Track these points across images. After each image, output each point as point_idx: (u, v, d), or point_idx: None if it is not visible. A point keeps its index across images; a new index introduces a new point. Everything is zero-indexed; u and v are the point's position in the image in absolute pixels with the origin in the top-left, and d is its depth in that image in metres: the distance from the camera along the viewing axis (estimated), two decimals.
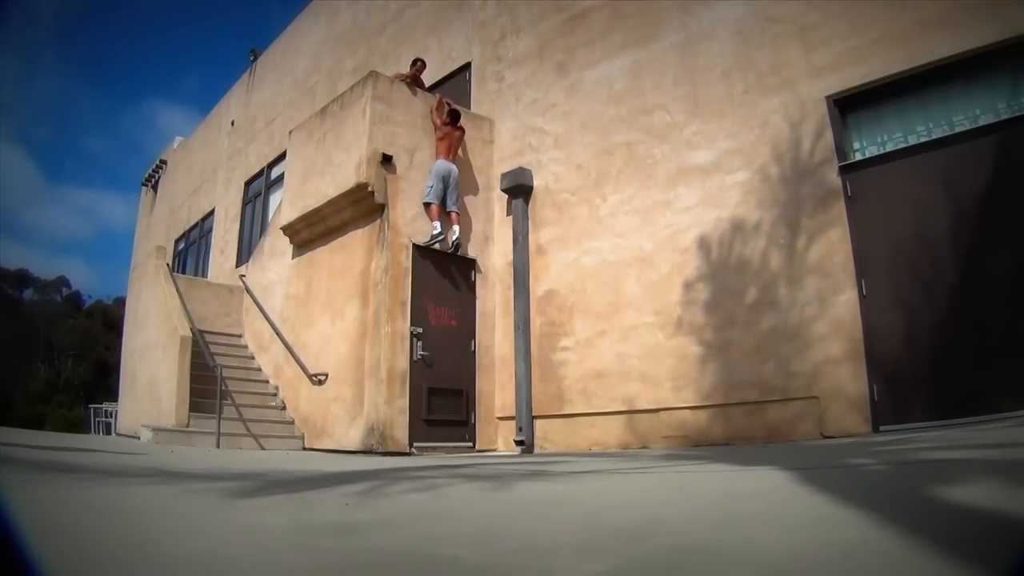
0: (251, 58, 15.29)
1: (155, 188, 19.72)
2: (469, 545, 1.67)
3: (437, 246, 7.21)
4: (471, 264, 7.72)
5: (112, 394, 17.89)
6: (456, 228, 7.29)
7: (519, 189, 7.64)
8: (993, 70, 4.84)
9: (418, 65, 8.26)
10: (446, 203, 7.32)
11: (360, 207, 7.32)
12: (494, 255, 7.93)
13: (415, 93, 7.73)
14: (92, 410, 20.52)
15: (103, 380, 32.05)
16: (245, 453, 6.49)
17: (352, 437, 6.77)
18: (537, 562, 1.45)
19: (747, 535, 1.63)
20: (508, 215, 7.83)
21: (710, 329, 5.92)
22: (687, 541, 1.58)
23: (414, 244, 7.18)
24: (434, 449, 6.78)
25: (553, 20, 8.01)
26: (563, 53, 7.80)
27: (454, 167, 7.42)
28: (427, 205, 7.25)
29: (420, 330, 6.99)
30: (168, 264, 10.40)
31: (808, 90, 5.68)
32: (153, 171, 19.95)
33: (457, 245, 7.31)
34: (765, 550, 1.44)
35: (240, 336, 9.56)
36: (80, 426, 24.57)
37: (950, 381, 4.64)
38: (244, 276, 9.99)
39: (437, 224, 7.13)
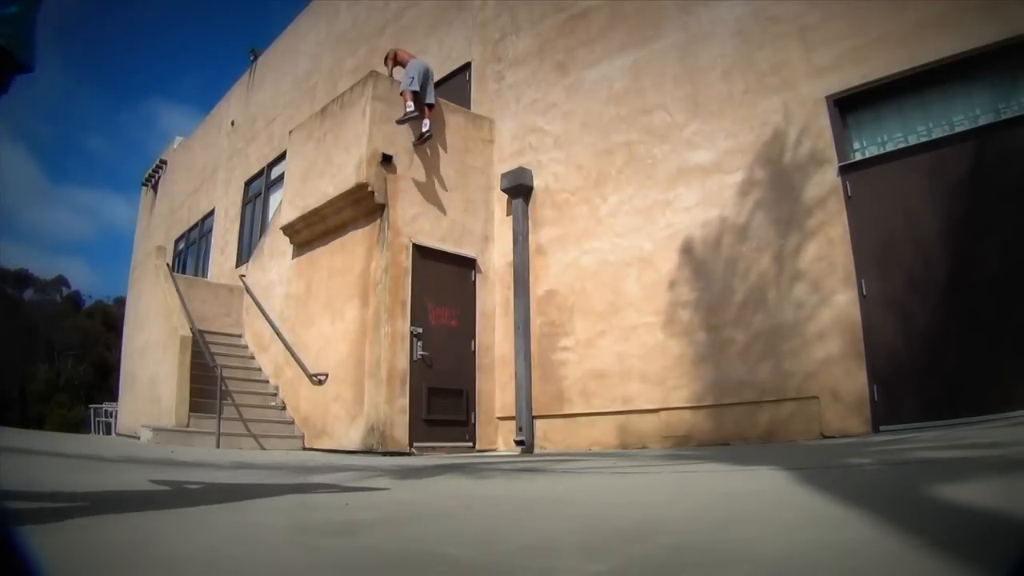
0: (251, 58, 15.29)
1: (155, 188, 19.72)
2: (469, 545, 1.68)
3: (409, 128, 7.31)
4: (471, 264, 7.72)
5: (112, 394, 17.90)
6: (428, 122, 7.35)
7: (519, 189, 7.64)
8: (993, 70, 4.84)
9: (391, 56, 8.10)
10: (424, 97, 7.45)
11: (360, 207, 7.32)
12: (494, 255, 7.93)
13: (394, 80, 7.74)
14: (92, 410, 20.53)
15: (103, 380, 32.07)
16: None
17: (352, 437, 6.77)
18: (538, 562, 1.45)
19: (747, 535, 1.63)
20: (508, 215, 7.83)
21: (710, 329, 5.92)
22: (687, 541, 1.59)
23: (414, 244, 7.18)
24: (434, 449, 6.78)
25: (553, 20, 8.01)
26: (563, 53, 7.80)
27: (429, 64, 7.72)
28: (403, 93, 7.34)
29: (420, 330, 6.99)
30: (168, 264, 10.40)
31: (808, 90, 5.68)
32: (153, 171, 19.95)
33: (428, 136, 7.36)
34: (765, 550, 1.44)
35: (240, 336, 9.56)
36: (80, 426, 24.58)
37: (950, 381, 4.64)
38: (244, 276, 9.99)
39: (411, 104, 7.23)
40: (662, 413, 6.13)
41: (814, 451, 4.11)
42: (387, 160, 7.16)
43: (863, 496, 2.03)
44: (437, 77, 9.01)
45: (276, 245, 9.09)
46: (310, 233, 8.17)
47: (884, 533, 1.47)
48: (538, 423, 7.11)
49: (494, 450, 7.33)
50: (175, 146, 19.02)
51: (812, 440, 5.07)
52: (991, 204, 4.67)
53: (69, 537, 1.64)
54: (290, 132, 9.03)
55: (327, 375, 7.32)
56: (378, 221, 7.17)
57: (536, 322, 7.35)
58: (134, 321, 10.43)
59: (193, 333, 8.13)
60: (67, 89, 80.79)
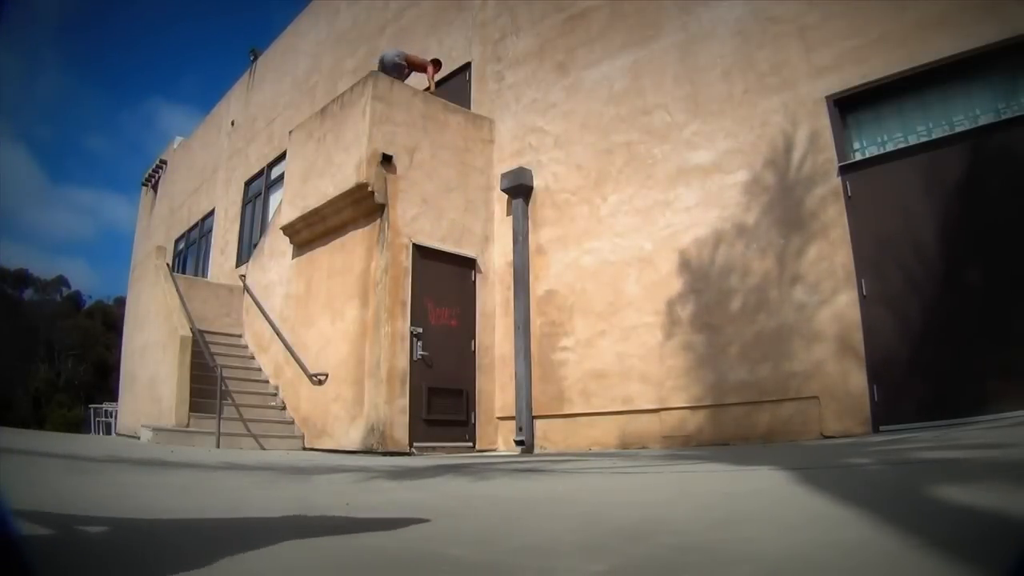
0: (251, 58, 15.29)
1: (155, 188, 19.73)
2: (470, 544, 1.68)
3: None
4: (471, 264, 7.72)
5: (112, 394, 17.88)
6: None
7: (519, 189, 7.64)
8: (993, 70, 4.84)
9: (432, 68, 8.59)
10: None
11: (360, 207, 7.32)
12: (494, 255, 7.93)
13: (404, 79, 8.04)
14: (92, 410, 20.53)
15: (103, 380, 32.03)
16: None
17: (352, 437, 6.77)
18: (538, 561, 1.45)
19: (747, 534, 1.63)
20: (508, 215, 7.83)
21: (710, 329, 5.92)
22: (687, 540, 1.59)
23: (414, 244, 7.18)
24: (434, 449, 6.78)
25: (553, 20, 8.01)
26: (563, 53, 7.80)
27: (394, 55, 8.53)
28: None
29: (420, 330, 6.99)
30: (168, 264, 10.40)
31: (808, 90, 5.68)
32: (153, 171, 19.95)
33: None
34: (765, 549, 1.44)
35: (240, 336, 9.56)
36: (80, 426, 24.58)
37: (950, 381, 4.64)
38: (244, 276, 9.98)
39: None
40: (662, 413, 6.13)
41: (814, 451, 4.11)
42: (387, 160, 7.16)
43: (863, 496, 2.03)
44: (437, 77, 9.06)
45: (276, 245, 9.09)
46: (310, 233, 8.17)
47: (884, 533, 1.47)
48: (538, 423, 7.11)
49: (494, 450, 7.33)
50: (175, 146, 19.01)
51: (812, 440, 5.07)
52: (991, 204, 4.67)
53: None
54: (290, 132, 9.02)
55: (327, 375, 7.31)
56: (378, 221, 7.16)
57: (536, 322, 7.35)
58: (134, 321, 10.42)
59: (193, 333, 8.12)
60: (67, 89, 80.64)
